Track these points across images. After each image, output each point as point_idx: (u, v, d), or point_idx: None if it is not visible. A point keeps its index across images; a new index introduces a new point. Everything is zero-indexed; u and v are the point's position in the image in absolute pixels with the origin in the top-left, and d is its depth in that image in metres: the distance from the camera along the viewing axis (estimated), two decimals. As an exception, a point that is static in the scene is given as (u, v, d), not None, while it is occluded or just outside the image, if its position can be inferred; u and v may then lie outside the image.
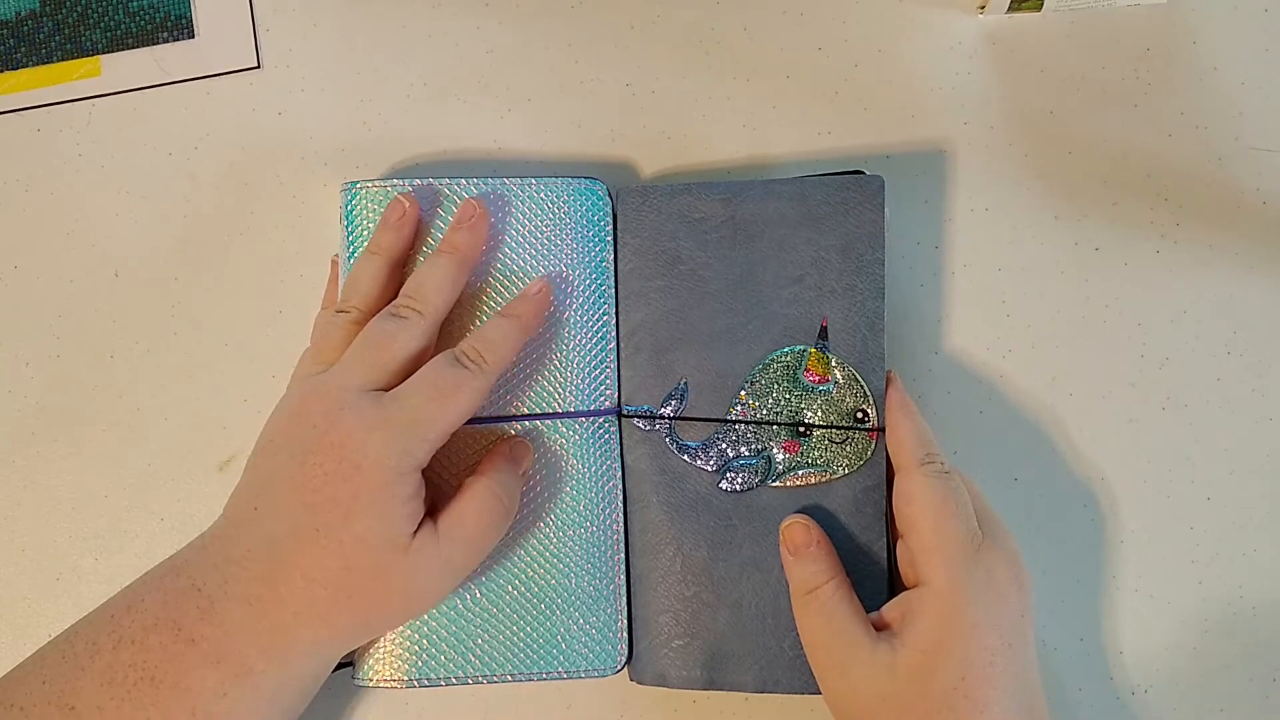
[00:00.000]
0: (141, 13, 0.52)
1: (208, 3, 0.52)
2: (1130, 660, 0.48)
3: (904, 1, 0.51)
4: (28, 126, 0.52)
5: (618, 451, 0.45)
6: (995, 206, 0.50)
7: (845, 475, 0.43)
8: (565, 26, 0.51)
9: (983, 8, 0.50)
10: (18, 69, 0.51)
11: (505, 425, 0.44)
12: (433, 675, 0.42)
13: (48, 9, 0.52)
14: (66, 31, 0.52)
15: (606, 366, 0.45)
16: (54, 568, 0.49)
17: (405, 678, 0.42)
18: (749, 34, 0.51)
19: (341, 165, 0.51)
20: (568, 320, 0.45)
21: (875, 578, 0.43)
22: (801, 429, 0.43)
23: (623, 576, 0.44)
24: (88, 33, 0.52)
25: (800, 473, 0.43)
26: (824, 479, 0.43)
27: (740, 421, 0.43)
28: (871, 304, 0.43)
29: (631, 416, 0.44)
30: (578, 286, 0.45)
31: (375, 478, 0.37)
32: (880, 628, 0.40)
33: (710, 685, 0.43)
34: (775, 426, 0.43)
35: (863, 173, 0.45)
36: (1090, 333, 0.50)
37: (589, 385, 0.44)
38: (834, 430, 0.43)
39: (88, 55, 0.51)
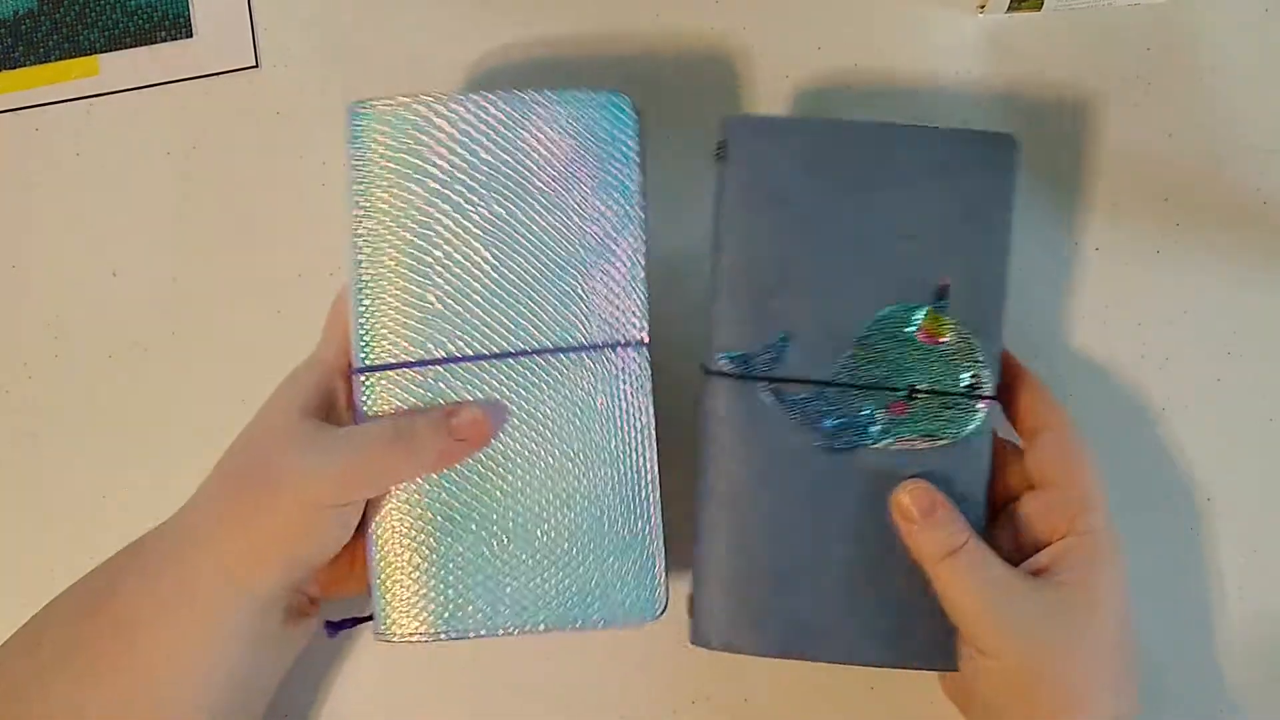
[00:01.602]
0: (139, 12, 0.51)
1: (206, 2, 0.52)
2: (1130, 661, 0.48)
3: (904, 1, 0.51)
4: (26, 126, 0.51)
5: (649, 387, 0.42)
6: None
7: (950, 442, 0.41)
8: (564, 27, 0.51)
9: (982, 7, 0.50)
10: (15, 68, 0.51)
11: (525, 359, 0.41)
12: (461, 627, 0.40)
13: (45, 8, 0.52)
14: (64, 31, 0.51)
15: (633, 296, 0.42)
16: (52, 568, 0.49)
17: (432, 630, 0.40)
18: (748, 34, 0.51)
19: (341, 165, 0.51)
20: (589, 248, 0.42)
21: None
22: (909, 392, 0.41)
23: (659, 518, 0.41)
24: (86, 32, 0.51)
25: (904, 436, 0.41)
26: (928, 444, 0.41)
27: (844, 383, 0.41)
28: (995, 268, 0.41)
29: (722, 363, 0.41)
30: (600, 210, 0.42)
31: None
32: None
33: (786, 652, 0.41)
34: (888, 390, 0.41)
35: (1006, 134, 0.42)
36: (1090, 333, 0.49)
37: (614, 316, 0.42)
38: (944, 396, 0.41)
39: (86, 54, 0.51)
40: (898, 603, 0.41)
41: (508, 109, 0.42)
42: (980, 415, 0.41)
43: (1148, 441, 0.49)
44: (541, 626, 0.40)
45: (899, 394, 0.41)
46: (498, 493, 0.41)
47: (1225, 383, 0.49)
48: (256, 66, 0.51)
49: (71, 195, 0.51)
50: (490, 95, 0.42)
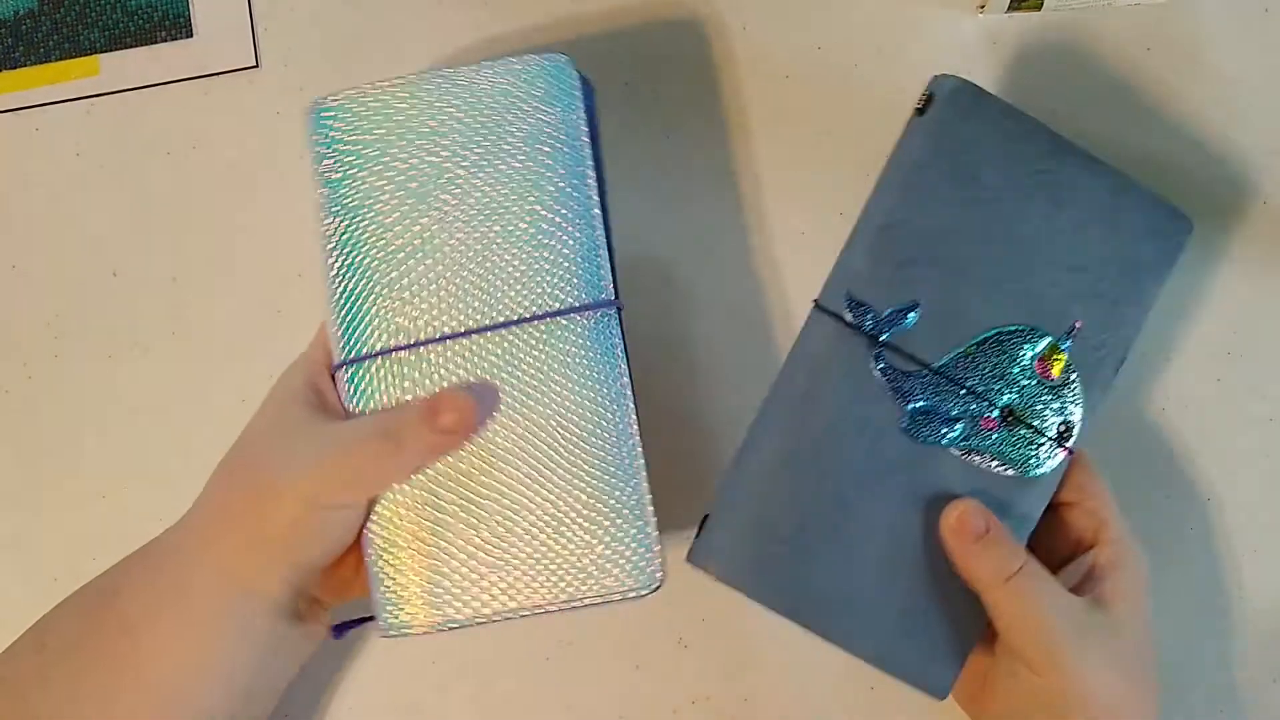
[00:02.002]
0: (140, 12, 0.51)
1: (206, 2, 0.52)
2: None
3: (904, 1, 0.51)
4: (26, 126, 0.51)
5: (622, 347, 0.41)
6: (995, 206, 0.50)
7: (1020, 477, 0.41)
8: (564, 28, 0.51)
9: (983, 7, 0.50)
10: (16, 68, 0.51)
11: (500, 332, 0.41)
12: (459, 616, 0.39)
13: (46, 8, 0.52)
14: (65, 31, 0.51)
15: (597, 258, 0.41)
16: (52, 568, 0.49)
17: (430, 621, 0.39)
18: (748, 34, 0.51)
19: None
20: (550, 215, 0.41)
21: None
22: (1003, 414, 0.41)
23: (646, 484, 0.40)
24: (86, 32, 0.51)
25: (984, 453, 0.40)
26: (999, 468, 0.40)
27: (948, 376, 0.40)
28: (1127, 331, 0.42)
29: (841, 305, 0.40)
30: (557, 175, 0.42)
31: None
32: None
33: (780, 609, 0.40)
34: (983, 400, 0.40)
35: (1184, 216, 0.43)
36: (1090, 333, 0.49)
37: (581, 280, 0.41)
38: (1033, 430, 0.41)
39: (86, 54, 0.51)
40: (910, 611, 0.40)
41: (458, 83, 0.42)
42: (1057, 461, 0.41)
43: (1148, 441, 0.49)
44: (541, 608, 0.39)
45: (993, 411, 0.41)
46: (483, 475, 0.40)
47: (1225, 383, 0.49)
48: (256, 66, 0.51)
49: (71, 195, 0.51)
50: (440, 73, 0.43)
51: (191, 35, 0.51)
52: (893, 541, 0.40)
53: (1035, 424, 0.40)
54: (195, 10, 0.52)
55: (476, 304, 0.41)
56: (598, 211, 0.42)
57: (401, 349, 0.41)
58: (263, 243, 0.51)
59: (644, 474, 0.40)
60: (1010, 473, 0.40)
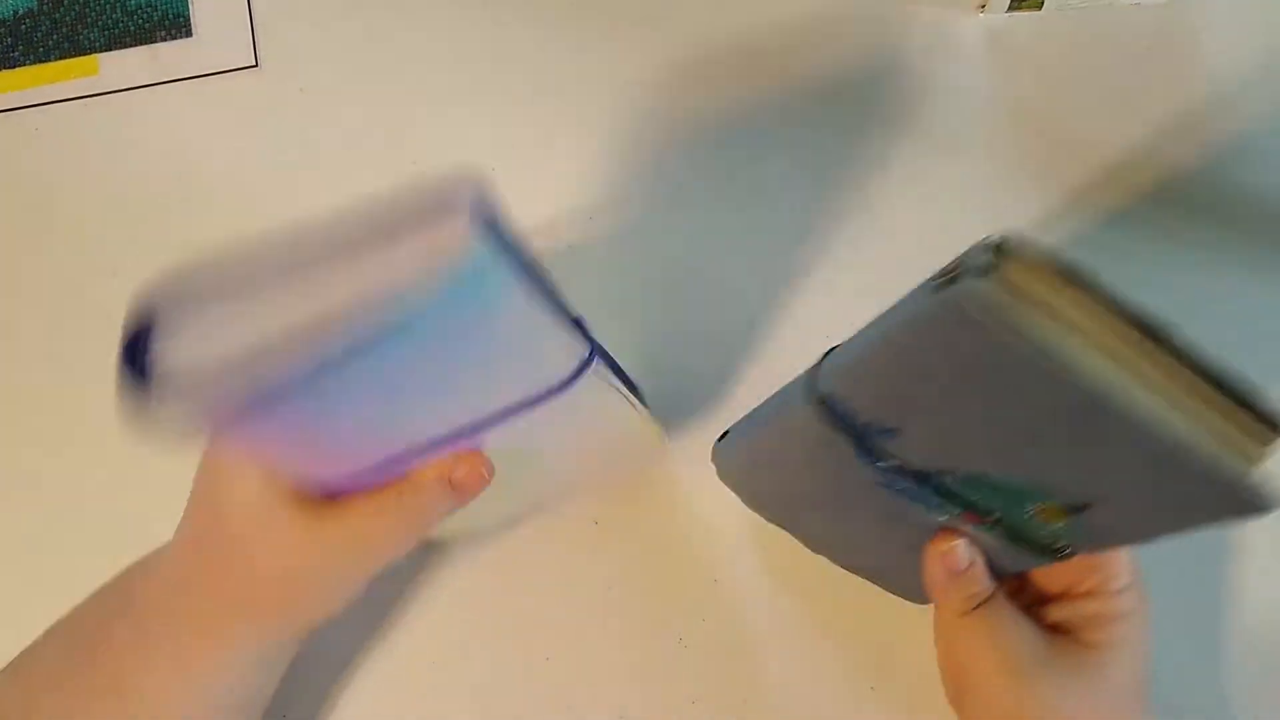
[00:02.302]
0: (139, 11, 0.51)
1: (206, 2, 0.52)
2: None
3: (904, 0, 0.51)
4: (25, 125, 0.51)
5: (614, 380, 0.38)
6: (995, 206, 0.50)
7: (1010, 550, 0.36)
8: (565, 25, 0.51)
9: (983, 7, 0.50)
10: (15, 68, 0.51)
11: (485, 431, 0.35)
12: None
13: (45, 8, 0.51)
14: (64, 30, 0.51)
15: (555, 343, 0.34)
16: (51, 568, 0.49)
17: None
18: (748, 33, 0.51)
19: (340, 164, 0.51)
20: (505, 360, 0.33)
21: None
22: (993, 518, 0.34)
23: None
24: (85, 32, 0.51)
25: (969, 530, 0.36)
26: (989, 542, 0.37)
27: (934, 475, 0.34)
28: (1125, 534, 0.33)
29: (828, 400, 0.34)
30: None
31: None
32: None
33: (775, 522, 0.41)
34: (964, 503, 0.35)
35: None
36: (1091, 333, 0.49)
37: (552, 365, 0.34)
38: (1025, 545, 0.35)
39: (85, 54, 0.51)
40: (899, 557, 0.39)
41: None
42: (1047, 560, 0.36)
43: (1148, 441, 0.49)
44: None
45: (977, 512, 0.35)
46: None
47: (1226, 382, 0.49)
48: (256, 66, 0.51)
49: (72, 195, 0.51)
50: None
51: (191, 35, 0.51)
52: (880, 529, 0.39)
53: (1023, 537, 0.35)
54: (195, 10, 0.52)
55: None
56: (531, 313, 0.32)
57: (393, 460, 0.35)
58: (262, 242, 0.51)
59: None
60: (1004, 547, 0.36)
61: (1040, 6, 0.50)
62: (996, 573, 0.38)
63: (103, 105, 0.51)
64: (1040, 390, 0.28)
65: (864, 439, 0.34)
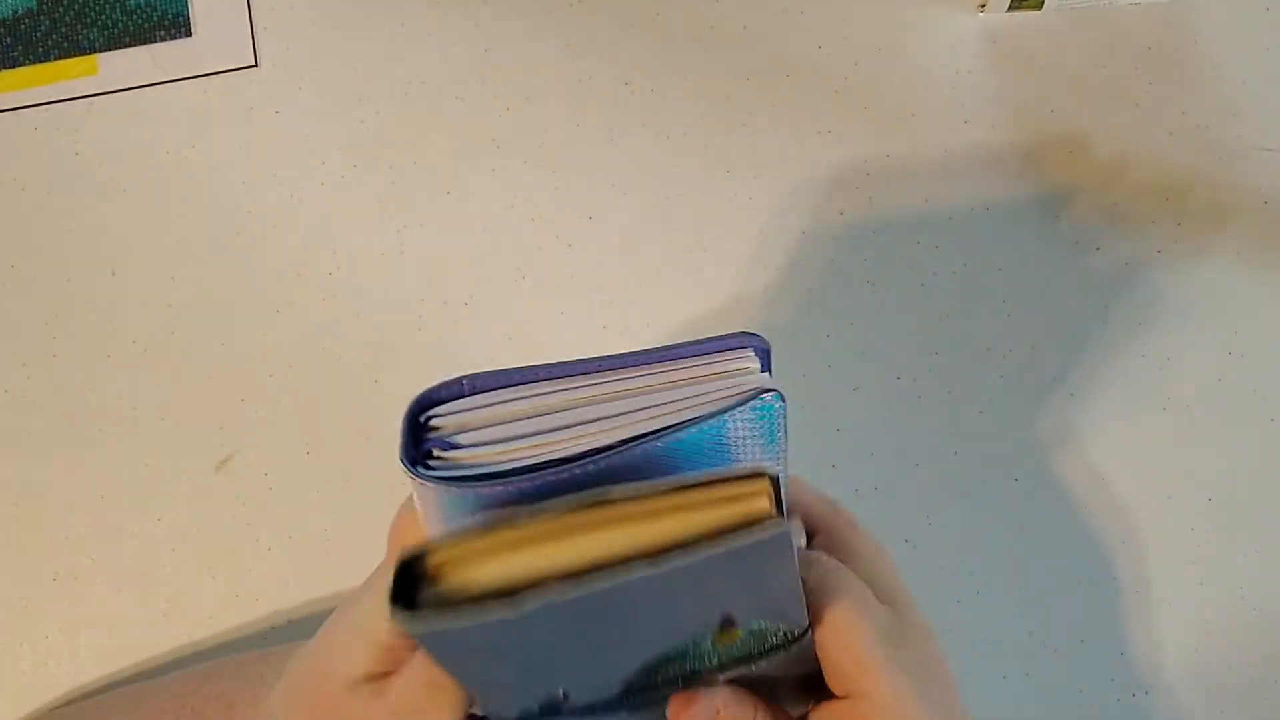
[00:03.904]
0: (139, 11, 0.51)
1: (205, 1, 0.51)
2: (1131, 661, 0.48)
3: (904, 0, 0.51)
4: (24, 125, 0.51)
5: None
6: (995, 206, 0.50)
7: (770, 661, 0.34)
8: (564, 24, 0.51)
9: (983, 6, 0.50)
10: (14, 68, 0.51)
11: None
12: None
13: (45, 8, 0.51)
14: (63, 30, 0.51)
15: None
16: (51, 568, 0.49)
17: None
18: (748, 33, 0.51)
19: (339, 164, 0.51)
20: None
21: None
22: (716, 666, 0.33)
23: None
24: (85, 31, 0.51)
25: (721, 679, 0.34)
26: (750, 670, 0.34)
27: (641, 690, 0.33)
28: (783, 595, 0.31)
29: None
30: None
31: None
32: None
33: None
34: (684, 679, 0.33)
35: (762, 473, 0.26)
36: (1091, 333, 0.49)
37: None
38: (758, 656, 0.33)
39: (84, 54, 0.51)
40: None
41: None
42: (798, 645, 0.34)
43: (1148, 441, 0.49)
44: None
45: (707, 673, 0.33)
46: None
47: (1226, 382, 0.49)
48: (255, 66, 0.51)
49: (70, 195, 0.51)
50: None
51: (190, 35, 0.51)
52: None
53: (753, 654, 0.33)
54: (194, 10, 0.51)
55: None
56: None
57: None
58: (261, 242, 0.51)
59: None
60: (765, 665, 0.34)
61: (1040, 6, 0.49)
62: (775, 686, 0.35)
63: (102, 105, 0.51)
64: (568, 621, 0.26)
65: (563, 715, 0.32)
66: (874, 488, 0.49)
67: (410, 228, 0.51)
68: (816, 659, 0.35)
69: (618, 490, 0.25)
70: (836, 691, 0.34)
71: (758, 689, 0.35)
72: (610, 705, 0.33)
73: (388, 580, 0.26)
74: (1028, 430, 0.49)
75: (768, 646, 0.33)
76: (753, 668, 0.34)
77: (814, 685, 0.36)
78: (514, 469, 0.26)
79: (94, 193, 0.51)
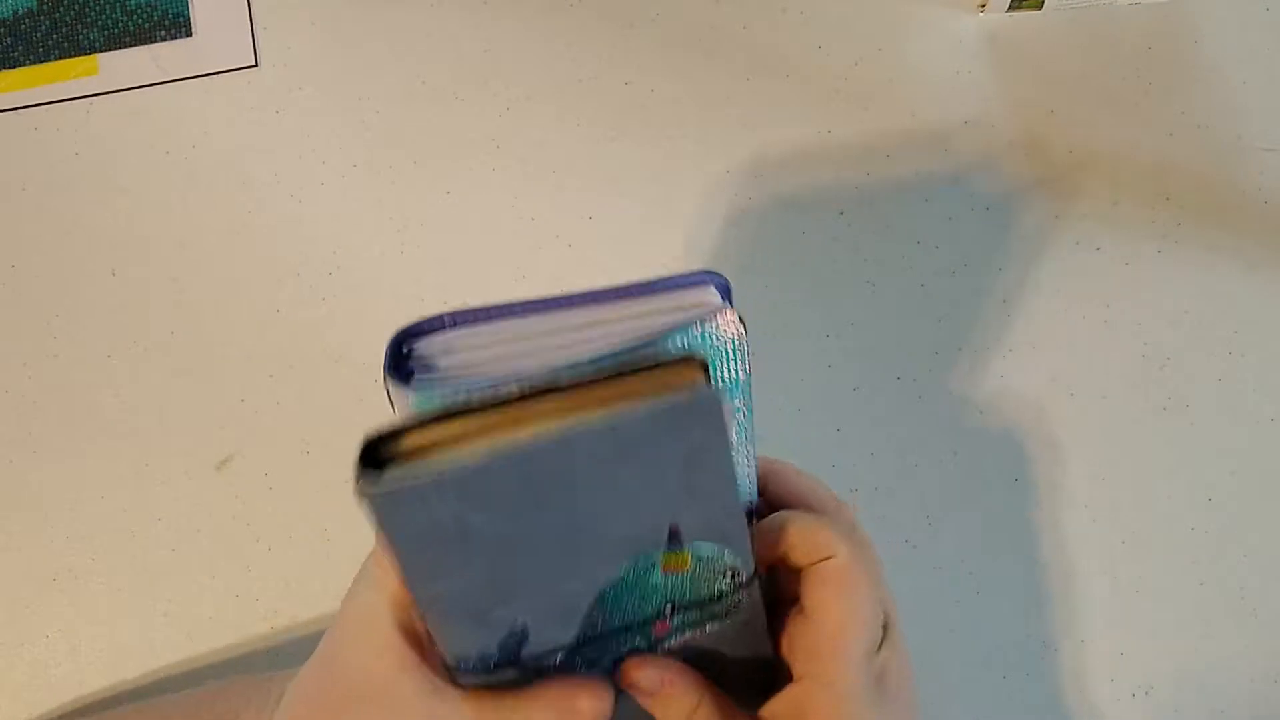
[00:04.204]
0: (139, 11, 0.51)
1: (205, 1, 0.52)
2: (1132, 661, 0.48)
3: (905, 0, 0.51)
4: (25, 125, 0.51)
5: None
6: (995, 206, 0.50)
7: (720, 623, 0.36)
8: (564, 24, 0.51)
9: (983, 6, 0.50)
10: (15, 68, 0.51)
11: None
12: None
13: (45, 7, 0.51)
14: (64, 30, 0.51)
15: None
16: (51, 568, 0.49)
17: None
18: (749, 32, 0.51)
19: (339, 164, 0.51)
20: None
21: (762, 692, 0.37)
22: (667, 610, 0.35)
23: None
24: (85, 31, 0.51)
25: (672, 641, 0.37)
26: (698, 634, 0.37)
27: (597, 635, 0.35)
28: (724, 498, 0.33)
29: (463, 672, 0.34)
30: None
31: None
32: None
33: None
34: (638, 625, 0.35)
35: (696, 366, 0.30)
36: (1091, 333, 0.49)
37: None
38: (710, 601, 0.35)
39: (85, 54, 0.51)
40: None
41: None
42: (743, 599, 0.36)
43: (1149, 441, 0.49)
44: None
45: (659, 618, 0.35)
46: None
47: (1226, 382, 0.49)
48: (255, 66, 0.51)
49: (71, 195, 0.51)
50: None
51: (191, 34, 0.51)
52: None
53: (702, 597, 0.35)
54: (194, 9, 0.51)
55: None
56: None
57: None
58: (262, 242, 0.51)
59: None
60: (718, 625, 0.36)
61: (1040, 6, 0.49)
62: (725, 671, 0.36)
63: (102, 105, 0.51)
64: (487, 500, 0.29)
65: (514, 657, 0.34)
66: (874, 488, 0.49)
67: (410, 228, 0.51)
68: (764, 635, 0.36)
69: (565, 374, 0.28)
70: (796, 668, 0.35)
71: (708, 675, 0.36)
72: (567, 660, 0.34)
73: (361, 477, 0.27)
74: (1028, 430, 0.49)
75: (716, 592, 0.34)
76: (701, 631, 0.35)
77: (762, 684, 0.36)
78: (483, 378, 0.29)
79: (94, 193, 0.51)
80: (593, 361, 0.30)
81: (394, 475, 0.27)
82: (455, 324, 0.30)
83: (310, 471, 0.49)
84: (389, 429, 0.28)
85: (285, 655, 0.48)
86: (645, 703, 0.37)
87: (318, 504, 0.49)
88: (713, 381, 0.29)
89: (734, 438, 0.33)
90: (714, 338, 0.31)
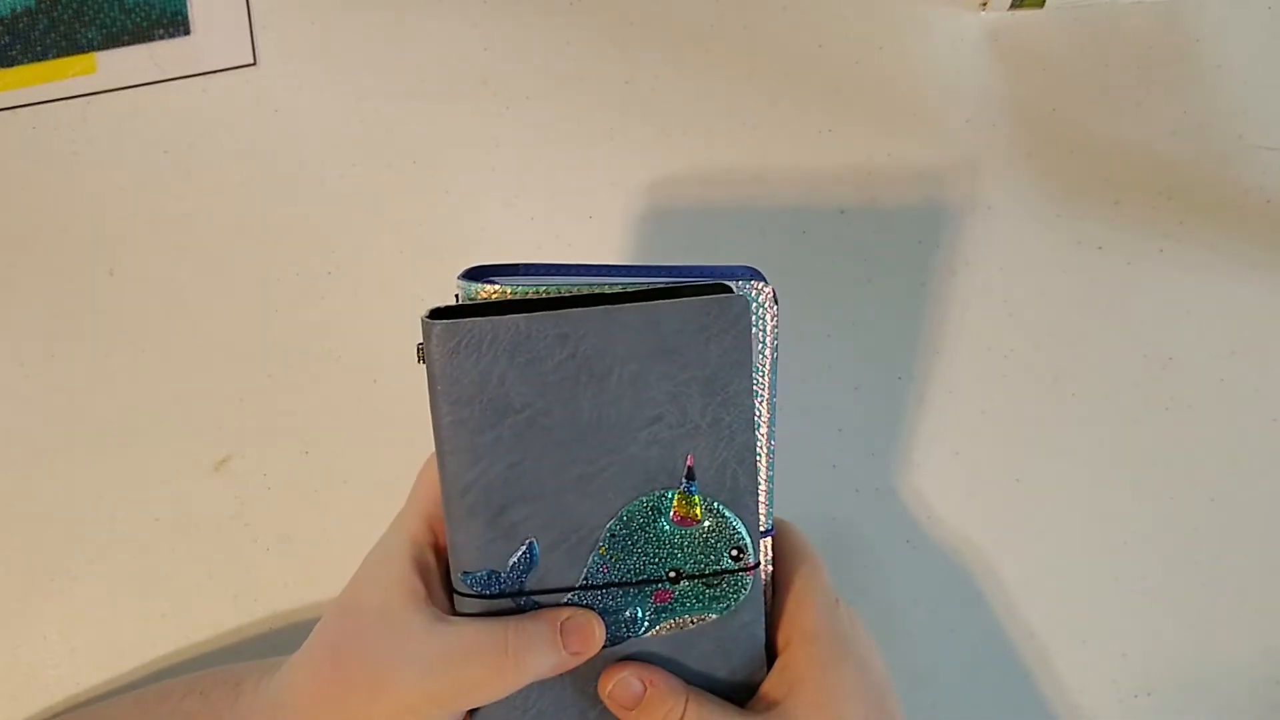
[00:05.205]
0: (137, 9, 0.51)
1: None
2: (1134, 663, 0.48)
3: (905, -1, 0.51)
4: (23, 124, 0.51)
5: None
6: (997, 205, 0.50)
7: (721, 615, 0.38)
8: (564, 23, 0.51)
9: (985, 5, 0.50)
10: (13, 66, 0.51)
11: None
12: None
13: (43, 6, 0.51)
14: (62, 29, 0.51)
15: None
16: (49, 568, 0.49)
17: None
18: (749, 31, 0.51)
19: (338, 163, 0.51)
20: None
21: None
22: (674, 579, 0.38)
23: None
24: (83, 30, 0.51)
25: (672, 620, 0.38)
26: (698, 620, 0.38)
27: (601, 585, 0.37)
28: (741, 437, 0.37)
29: (465, 585, 0.37)
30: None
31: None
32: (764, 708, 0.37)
33: None
34: (646, 583, 0.37)
35: (729, 288, 0.36)
36: (1092, 333, 0.49)
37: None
38: (712, 576, 0.38)
39: (83, 52, 0.51)
40: None
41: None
42: (747, 585, 0.38)
43: (1150, 441, 0.49)
44: None
45: (662, 584, 0.37)
46: None
47: (1228, 382, 0.49)
48: (254, 64, 0.51)
49: (70, 194, 0.51)
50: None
51: (189, 33, 0.51)
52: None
53: (706, 569, 0.38)
54: (193, 8, 0.51)
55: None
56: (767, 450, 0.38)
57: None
58: (260, 241, 0.51)
59: None
60: (713, 617, 0.38)
61: (1042, 5, 0.49)
62: (706, 675, 0.38)
63: (101, 104, 0.51)
64: (527, 357, 0.35)
65: (519, 585, 0.37)
66: (874, 488, 0.48)
67: (410, 228, 0.51)
68: (761, 655, 0.38)
69: (609, 286, 0.35)
70: (780, 642, 0.38)
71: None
72: (587, 594, 0.37)
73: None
74: (1028, 430, 0.49)
75: (720, 569, 0.37)
76: (700, 621, 0.37)
77: (750, 693, 0.38)
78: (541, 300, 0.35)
79: (93, 192, 0.51)
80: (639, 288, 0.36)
81: (455, 315, 0.34)
82: (527, 272, 0.36)
83: (308, 471, 0.49)
84: (455, 306, 0.35)
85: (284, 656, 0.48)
86: (626, 714, 0.37)
87: (316, 504, 0.49)
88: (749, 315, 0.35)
89: (758, 383, 0.37)
90: (750, 294, 0.36)
